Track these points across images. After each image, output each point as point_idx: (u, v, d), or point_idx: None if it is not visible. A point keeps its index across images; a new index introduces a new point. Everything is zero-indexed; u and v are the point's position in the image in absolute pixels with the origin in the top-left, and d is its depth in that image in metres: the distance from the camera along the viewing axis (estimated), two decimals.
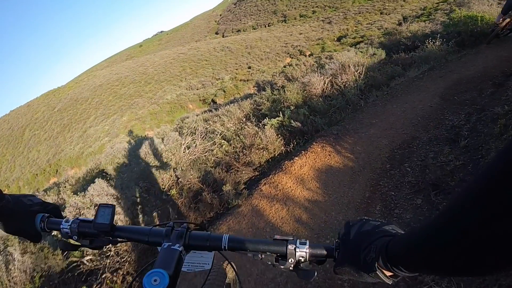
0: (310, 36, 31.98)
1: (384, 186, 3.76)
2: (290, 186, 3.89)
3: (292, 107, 6.06)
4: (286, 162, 4.35)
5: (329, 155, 4.44)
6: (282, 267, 0.77)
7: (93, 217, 0.87)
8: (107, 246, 1.12)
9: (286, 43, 32.02)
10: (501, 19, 6.86)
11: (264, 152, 4.77)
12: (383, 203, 3.51)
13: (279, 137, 5.09)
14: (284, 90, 6.97)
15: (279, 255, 0.78)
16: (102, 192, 4.47)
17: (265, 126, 5.25)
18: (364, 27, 26.69)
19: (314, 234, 3.12)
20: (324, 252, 0.75)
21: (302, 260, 0.75)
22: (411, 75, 6.88)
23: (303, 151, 4.55)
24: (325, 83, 6.79)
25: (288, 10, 49.40)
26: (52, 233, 1.13)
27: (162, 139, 6.36)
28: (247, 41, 37.87)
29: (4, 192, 0.87)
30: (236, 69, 29.03)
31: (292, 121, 5.31)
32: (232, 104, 8.13)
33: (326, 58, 13.64)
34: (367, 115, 5.60)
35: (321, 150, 4.56)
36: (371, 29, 23.81)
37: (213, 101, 22.40)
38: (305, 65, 13.03)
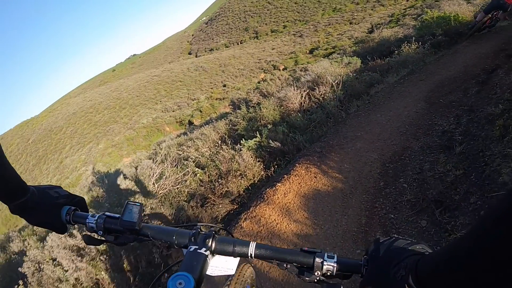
0: (283, 50, 32.05)
1: (381, 208, 3.30)
2: (274, 219, 3.37)
3: (269, 126, 5.61)
4: (267, 190, 3.83)
5: (315, 177, 3.96)
6: (307, 279, 0.76)
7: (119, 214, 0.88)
8: (132, 244, 0.98)
9: (260, 59, 31.98)
10: (484, 17, 6.95)
11: (243, 179, 4.25)
12: (383, 229, 3.06)
13: (258, 160, 4.60)
14: (260, 107, 6.52)
15: (305, 267, 0.77)
16: (60, 244, 3.84)
17: (242, 149, 4.75)
18: (335, 38, 26.81)
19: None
20: (352, 267, 0.73)
21: (328, 274, 0.74)
22: (390, 81, 6.58)
23: (285, 175, 4.06)
24: (302, 96, 6.39)
25: (260, 26, 49.75)
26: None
27: (136, 168, 5.86)
28: (220, 59, 37.73)
29: (29, 184, 0.87)
30: (211, 88, 28.69)
31: (270, 141, 4.84)
32: (207, 126, 7.63)
33: (301, 70, 13.40)
34: (350, 127, 5.19)
35: (305, 172, 4.08)
36: (342, 39, 23.91)
37: (190, 122, 21.94)
38: (280, 80, 12.71)
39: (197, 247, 0.78)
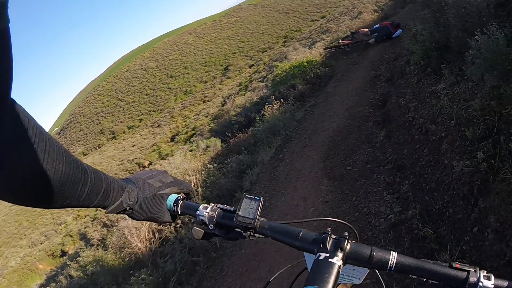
0: (144, 145, 30.21)
1: None
2: None
3: None
4: None
5: None
6: None
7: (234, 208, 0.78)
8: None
9: (122, 160, 29.10)
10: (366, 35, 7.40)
11: None
12: None
13: None
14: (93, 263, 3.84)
15: (452, 286, 0.64)
16: None
17: None
18: (192, 119, 26.00)
19: None
20: None
21: None
22: (265, 159, 4.68)
23: None
24: (149, 230, 3.91)
25: (115, 125, 46.84)
26: None
27: None
28: None
29: (128, 177, 0.80)
30: (59, 209, 24.30)
31: None
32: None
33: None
34: (231, 266, 2.91)
35: None
36: (199, 119, 23.11)
37: (62, 251, 18.95)
38: None
39: (328, 255, 0.65)
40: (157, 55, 56.14)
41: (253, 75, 23.09)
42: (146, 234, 3.93)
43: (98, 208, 0.72)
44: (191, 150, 7.74)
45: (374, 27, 7.50)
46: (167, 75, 48.54)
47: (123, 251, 4.03)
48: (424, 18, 5.98)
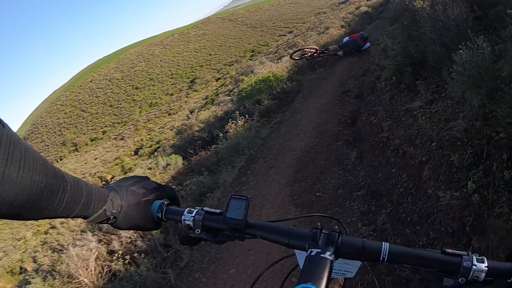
0: (107, 158, 29.35)
1: None
2: None
3: None
4: None
5: None
6: (446, 285, 0.64)
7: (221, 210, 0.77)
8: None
9: (84, 174, 27.91)
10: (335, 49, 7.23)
11: None
12: None
13: None
14: None
15: (446, 272, 0.64)
16: None
17: None
18: (157, 132, 25.50)
19: None
20: (503, 272, 0.62)
21: (476, 279, 0.62)
22: (227, 181, 4.26)
23: None
24: (97, 264, 3.36)
25: (78, 137, 44.99)
26: None
27: None
28: None
29: (110, 185, 0.74)
30: (37, 221, 22.64)
31: None
32: None
33: None
34: None
35: None
36: (164, 132, 22.63)
37: (21, 268, 17.06)
38: None
39: (319, 250, 0.64)
40: (122, 66, 54.93)
41: (220, 88, 22.90)
42: (94, 268, 3.35)
43: (79, 219, 0.69)
44: (150, 168, 7.15)
45: (344, 40, 7.48)
46: (133, 87, 47.63)
47: (70, 286, 3.48)
48: (394, 33, 5.86)
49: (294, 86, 6.35)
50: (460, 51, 2.31)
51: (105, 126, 43.62)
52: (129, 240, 3.81)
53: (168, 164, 6.51)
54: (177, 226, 0.77)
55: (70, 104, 54.25)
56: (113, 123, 43.09)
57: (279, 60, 8.74)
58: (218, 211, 0.75)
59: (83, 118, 49.68)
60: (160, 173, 6.12)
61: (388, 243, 0.65)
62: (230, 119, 5.82)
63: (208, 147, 6.31)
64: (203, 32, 52.82)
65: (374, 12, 11.80)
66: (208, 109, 12.93)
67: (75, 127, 48.99)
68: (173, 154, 7.15)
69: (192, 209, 0.77)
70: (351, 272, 0.72)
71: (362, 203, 2.80)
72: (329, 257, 0.63)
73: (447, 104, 2.75)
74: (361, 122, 3.97)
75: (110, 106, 47.55)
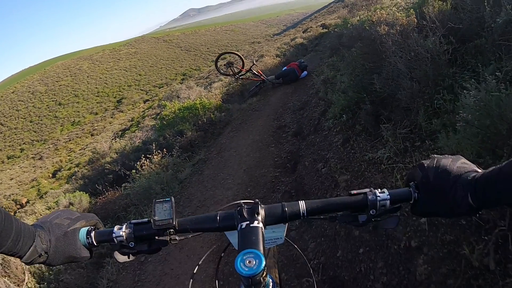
0: (23, 179, 26.48)
1: None
2: None
3: None
4: None
5: None
6: (362, 221, 0.70)
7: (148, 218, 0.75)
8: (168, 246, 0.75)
9: None
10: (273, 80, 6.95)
11: None
12: None
13: None
14: None
15: (358, 211, 0.71)
16: None
17: None
18: (77, 154, 23.53)
19: None
20: (403, 196, 0.68)
21: (383, 209, 0.69)
22: None
23: None
24: None
25: None
26: None
27: None
28: None
29: (33, 223, 0.72)
30: None
31: None
32: None
33: None
34: None
35: None
36: (85, 154, 20.82)
37: None
38: None
39: (248, 222, 0.69)
40: (47, 79, 50.60)
41: (147, 111, 21.60)
42: None
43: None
44: (49, 208, 6.09)
45: (283, 69, 7.18)
46: (56, 102, 44.05)
47: None
48: (335, 65, 5.33)
49: (222, 116, 5.50)
50: (470, 92, 1.59)
51: (24, 143, 39.55)
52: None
53: (71, 204, 5.28)
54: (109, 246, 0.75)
55: None
56: (32, 140, 39.11)
57: (209, 86, 7.92)
58: (146, 219, 0.73)
59: (1, 133, 45.10)
60: None
61: (303, 201, 0.72)
62: (144, 156, 4.73)
63: (119, 185, 5.14)
64: (135, 51, 50.82)
65: (310, 44, 11.68)
66: (133, 132, 11.61)
67: None
68: (78, 191, 5.89)
69: (120, 226, 0.74)
70: (280, 238, 0.76)
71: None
72: (258, 225, 0.67)
73: (426, 157, 2.05)
74: (304, 168, 3.18)
75: (31, 121, 43.29)
